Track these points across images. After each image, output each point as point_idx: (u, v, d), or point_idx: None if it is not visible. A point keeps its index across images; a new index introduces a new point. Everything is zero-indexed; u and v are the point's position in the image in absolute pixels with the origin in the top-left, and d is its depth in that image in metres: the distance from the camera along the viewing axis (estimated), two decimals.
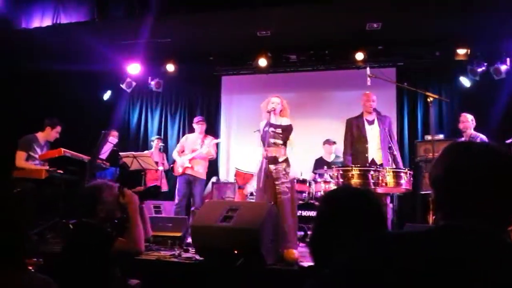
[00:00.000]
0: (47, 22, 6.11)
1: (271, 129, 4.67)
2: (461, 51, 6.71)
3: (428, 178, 1.13)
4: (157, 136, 7.80)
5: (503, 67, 6.53)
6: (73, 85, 7.38)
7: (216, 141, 6.72)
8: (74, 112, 7.34)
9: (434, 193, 1.11)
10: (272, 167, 4.53)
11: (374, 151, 4.96)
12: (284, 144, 4.69)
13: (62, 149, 5.25)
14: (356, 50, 6.93)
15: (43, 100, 7.28)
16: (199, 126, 6.60)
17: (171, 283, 3.31)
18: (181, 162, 6.39)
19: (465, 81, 6.95)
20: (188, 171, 6.34)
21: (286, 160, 4.65)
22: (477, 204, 1.02)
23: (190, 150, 6.45)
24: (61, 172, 5.35)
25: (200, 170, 6.43)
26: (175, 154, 6.60)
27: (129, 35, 6.60)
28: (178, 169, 6.41)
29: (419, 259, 0.96)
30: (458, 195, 1.05)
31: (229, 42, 7.08)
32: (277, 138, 4.69)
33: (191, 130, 7.04)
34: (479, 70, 6.73)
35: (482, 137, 5.72)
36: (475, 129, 5.85)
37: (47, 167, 5.33)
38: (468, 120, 5.85)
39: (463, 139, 5.81)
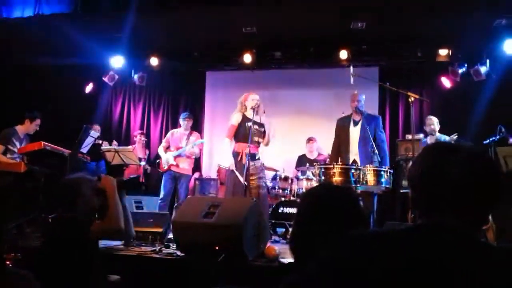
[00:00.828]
0: (28, 12, 5.99)
1: (255, 127, 4.80)
2: (443, 52, 6.82)
3: (406, 176, 1.14)
4: (140, 131, 7.73)
5: (483, 69, 6.65)
6: (54, 77, 7.26)
7: (200, 141, 6.67)
8: (55, 105, 7.22)
9: (411, 191, 1.13)
10: (250, 163, 4.73)
11: (354, 151, 5.02)
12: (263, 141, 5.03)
13: (43, 143, 5.17)
14: (340, 48, 6.98)
15: (24, 92, 7.14)
16: (185, 122, 6.57)
17: (151, 279, 3.30)
18: (166, 159, 6.37)
19: (446, 82, 7.07)
20: (173, 168, 6.34)
21: (260, 158, 5.01)
22: (454, 207, 1.04)
23: (175, 147, 6.43)
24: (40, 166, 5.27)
25: (186, 167, 6.43)
26: (160, 150, 6.57)
27: (113, 28, 6.51)
28: (164, 166, 6.39)
29: (399, 258, 0.97)
30: (434, 196, 1.06)
31: (214, 38, 7.05)
32: (259, 137, 4.89)
33: (174, 126, 7.01)
34: (460, 71, 6.85)
35: (445, 137, 5.85)
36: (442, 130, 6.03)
37: (26, 161, 5.25)
38: (433, 123, 6.01)
39: (428, 140, 5.96)
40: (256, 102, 4.90)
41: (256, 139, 4.87)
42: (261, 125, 5.01)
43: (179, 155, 6.36)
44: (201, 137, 7.02)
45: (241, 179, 4.62)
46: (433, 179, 1.06)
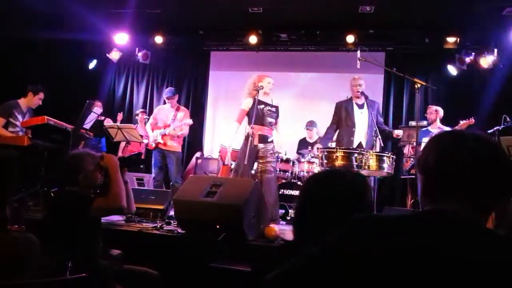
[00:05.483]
0: None
1: (267, 108, 4.78)
2: (451, 39, 6.75)
3: (417, 163, 1.14)
4: (141, 110, 7.71)
5: (490, 58, 6.59)
6: (58, 53, 7.22)
7: (187, 121, 6.21)
8: (59, 81, 7.20)
9: (422, 178, 1.12)
10: (261, 145, 4.67)
11: (362, 135, 5.00)
12: (275, 124, 4.91)
13: (46, 117, 5.15)
14: (347, 32, 6.90)
15: (28, 68, 7.10)
16: (168, 102, 6.30)
17: (152, 255, 3.34)
18: (154, 137, 6.17)
19: (452, 70, 7.01)
20: (161, 146, 6.14)
21: (273, 141, 4.88)
22: (463, 193, 1.04)
23: (163, 123, 6.21)
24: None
25: (174, 144, 6.19)
26: (148, 128, 6.37)
27: (117, 3, 6.44)
28: (151, 144, 6.21)
29: (405, 243, 0.98)
30: (448, 183, 1.06)
31: (220, 17, 6.98)
32: (272, 118, 4.83)
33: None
34: (467, 59, 6.79)
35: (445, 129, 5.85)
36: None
37: (29, 135, 5.25)
38: (432, 112, 6.05)
39: (430, 128, 5.97)
40: (271, 87, 4.86)
41: (269, 120, 4.80)
42: (273, 107, 4.91)
43: (165, 134, 6.14)
44: (198, 117, 6.86)
45: (246, 160, 4.54)
46: (446, 164, 1.07)
